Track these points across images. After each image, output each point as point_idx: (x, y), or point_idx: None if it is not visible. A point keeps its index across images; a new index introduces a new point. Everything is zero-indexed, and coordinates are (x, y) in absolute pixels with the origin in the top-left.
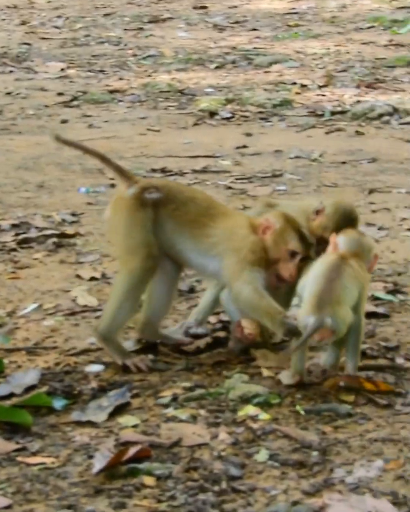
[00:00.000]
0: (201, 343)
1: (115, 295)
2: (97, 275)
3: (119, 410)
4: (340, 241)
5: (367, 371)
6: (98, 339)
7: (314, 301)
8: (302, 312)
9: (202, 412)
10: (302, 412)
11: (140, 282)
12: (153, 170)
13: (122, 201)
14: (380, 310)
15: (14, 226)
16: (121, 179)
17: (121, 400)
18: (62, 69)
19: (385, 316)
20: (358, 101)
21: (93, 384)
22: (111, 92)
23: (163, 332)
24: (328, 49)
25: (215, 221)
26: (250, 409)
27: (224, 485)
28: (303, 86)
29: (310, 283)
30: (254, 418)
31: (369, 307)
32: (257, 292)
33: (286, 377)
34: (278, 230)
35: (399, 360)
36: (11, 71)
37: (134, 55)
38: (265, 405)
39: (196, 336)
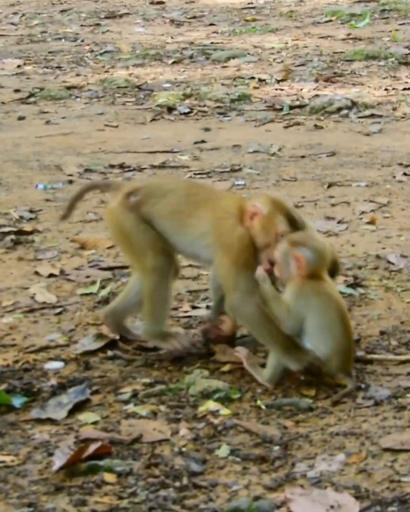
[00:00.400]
0: None
1: (146, 298)
2: (56, 272)
3: (79, 407)
4: (305, 255)
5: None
6: (150, 340)
7: (349, 357)
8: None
9: (162, 408)
10: (263, 407)
11: (160, 280)
12: (112, 166)
13: (111, 212)
14: None
15: None
16: (110, 193)
17: (81, 397)
18: (18, 66)
19: None
20: (317, 95)
21: (53, 381)
22: (69, 88)
23: (126, 326)
24: (286, 43)
25: (198, 209)
26: (211, 405)
27: (185, 481)
28: (261, 80)
29: (325, 330)
30: (214, 414)
31: None
32: (262, 313)
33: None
34: (266, 215)
35: (360, 353)
36: None
37: (92, 51)
38: (225, 400)
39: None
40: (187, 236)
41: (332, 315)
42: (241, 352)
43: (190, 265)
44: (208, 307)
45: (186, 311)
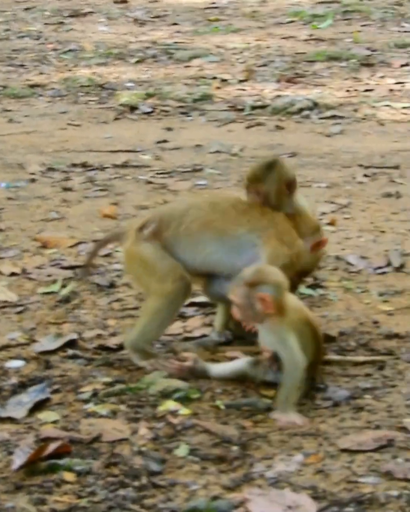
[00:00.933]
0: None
1: (148, 315)
2: (18, 270)
3: (39, 406)
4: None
5: None
6: (130, 352)
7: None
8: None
9: (122, 407)
10: (222, 407)
11: (170, 305)
12: (74, 165)
13: (127, 251)
14: None
15: None
16: (122, 239)
17: (41, 396)
18: None
19: None
20: (278, 96)
21: (14, 380)
22: (32, 86)
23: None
24: (248, 43)
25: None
26: (170, 404)
27: (144, 480)
28: (223, 80)
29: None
30: (174, 413)
31: None
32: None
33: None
34: None
35: None
36: None
37: (55, 50)
38: (185, 400)
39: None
40: (228, 242)
41: (308, 337)
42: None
43: None
44: None
45: None
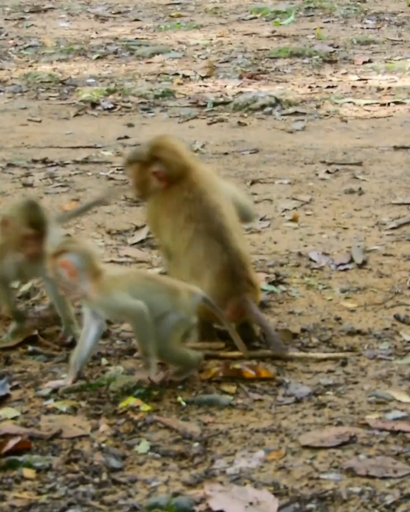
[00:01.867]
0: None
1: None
2: None
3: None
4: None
5: (250, 361)
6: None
7: None
8: None
9: (83, 403)
10: (183, 403)
11: None
12: (34, 161)
13: None
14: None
15: None
16: None
17: (1, 392)
18: None
19: (264, 306)
20: (241, 92)
21: None
22: None
23: None
24: (211, 40)
25: None
26: (131, 401)
27: (104, 476)
28: (185, 77)
29: None
30: (135, 410)
31: None
32: None
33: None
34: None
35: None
36: None
37: (15, 45)
38: (146, 397)
39: None
40: None
41: (159, 288)
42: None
43: (113, 261)
44: None
45: None
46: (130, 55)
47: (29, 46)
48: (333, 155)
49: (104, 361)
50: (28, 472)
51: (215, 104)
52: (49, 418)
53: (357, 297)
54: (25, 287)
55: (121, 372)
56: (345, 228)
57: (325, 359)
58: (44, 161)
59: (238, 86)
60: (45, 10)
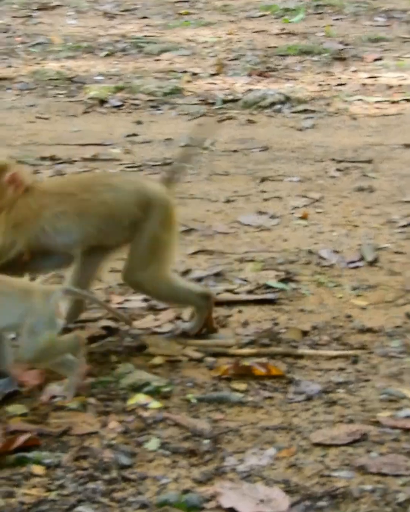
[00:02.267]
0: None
1: None
2: None
3: (7, 399)
4: None
5: (261, 358)
6: None
7: None
8: None
9: (92, 400)
10: (193, 400)
11: None
12: (43, 158)
13: None
14: (270, 297)
15: None
16: None
17: (10, 389)
18: None
19: (275, 303)
20: (250, 90)
21: None
22: None
23: None
24: (220, 37)
25: None
26: (140, 398)
27: (114, 473)
28: (194, 74)
29: None
30: (144, 407)
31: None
32: None
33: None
34: None
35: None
36: None
37: (23, 43)
38: (155, 394)
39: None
40: None
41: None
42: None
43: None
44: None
45: (120, 303)
46: (138, 52)
47: (37, 44)
48: (343, 152)
49: (113, 358)
50: (37, 469)
51: (224, 101)
52: (58, 415)
53: (368, 295)
54: None
55: (131, 369)
56: (355, 226)
57: (335, 357)
58: (52, 158)
59: (247, 83)
60: (53, 7)
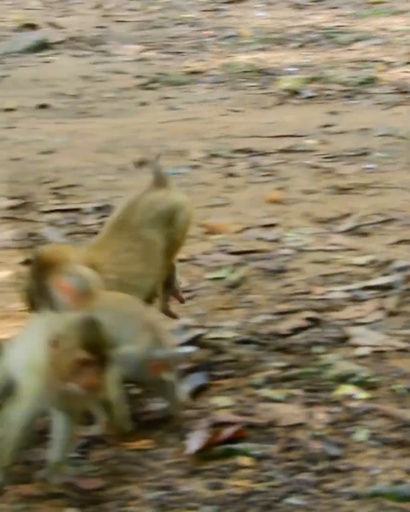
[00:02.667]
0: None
1: None
2: (185, 256)
3: (203, 390)
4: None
5: None
6: None
7: None
8: None
9: (297, 392)
10: (401, 391)
11: None
12: (237, 151)
13: None
14: None
15: (97, 209)
16: None
17: (199, 382)
18: (139, 52)
19: None
20: None
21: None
22: (191, 73)
23: None
24: None
25: None
26: (347, 389)
27: (323, 464)
28: (387, 63)
29: None
30: (351, 397)
31: None
32: None
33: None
34: None
35: None
36: (86, 55)
37: (212, 36)
38: (362, 384)
39: None
40: None
41: None
42: None
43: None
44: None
45: (322, 294)
46: (330, 42)
47: (227, 37)
48: None
49: (317, 349)
50: (245, 461)
51: None
52: (263, 406)
53: None
54: (234, 276)
55: (336, 359)
56: None
57: None
58: (246, 150)
59: None
60: (240, 0)
